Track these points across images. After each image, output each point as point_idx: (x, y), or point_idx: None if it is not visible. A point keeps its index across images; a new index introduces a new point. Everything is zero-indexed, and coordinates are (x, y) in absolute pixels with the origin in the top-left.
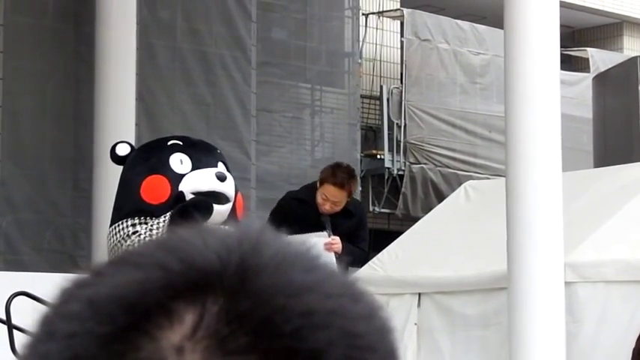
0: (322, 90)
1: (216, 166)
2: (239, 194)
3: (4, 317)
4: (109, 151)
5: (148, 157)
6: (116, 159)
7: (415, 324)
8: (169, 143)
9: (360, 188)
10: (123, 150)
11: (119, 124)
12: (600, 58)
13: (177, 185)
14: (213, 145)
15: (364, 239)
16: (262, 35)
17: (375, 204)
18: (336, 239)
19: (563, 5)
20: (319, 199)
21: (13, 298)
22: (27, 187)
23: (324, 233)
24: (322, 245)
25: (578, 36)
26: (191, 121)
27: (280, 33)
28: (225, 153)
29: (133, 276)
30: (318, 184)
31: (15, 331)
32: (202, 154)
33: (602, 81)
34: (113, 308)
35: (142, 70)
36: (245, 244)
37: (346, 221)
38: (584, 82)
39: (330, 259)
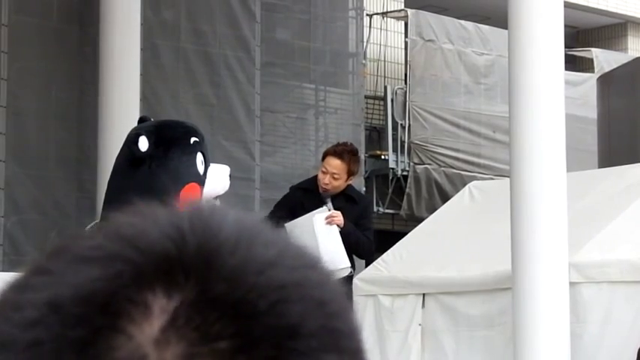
0: (326, 90)
1: (210, 159)
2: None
3: None
4: (113, 151)
5: (179, 160)
6: (139, 154)
7: (419, 324)
8: (192, 142)
9: (364, 188)
10: (144, 145)
11: (123, 125)
12: (605, 59)
13: (203, 188)
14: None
15: (368, 228)
16: (266, 36)
17: (380, 204)
18: (337, 212)
19: (567, 5)
20: (320, 173)
21: None
22: (31, 188)
23: (324, 208)
24: (323, 220)
25: (582, 36)
26: (195, 122)
27: (284, 33)
28: (229, 153)
29: (92, 272)
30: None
31: None
32: (207, 149)
33: (607, 81)
34: (81, 310)
35: (146, 71)
36: (197, 225)
37: (349, 206)
38: (588, 82)
39: (333, 232)
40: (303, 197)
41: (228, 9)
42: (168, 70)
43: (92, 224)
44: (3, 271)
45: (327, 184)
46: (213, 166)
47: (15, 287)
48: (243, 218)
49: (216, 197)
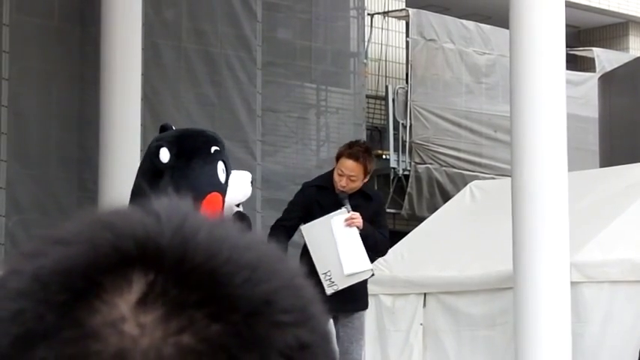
0: (327, 90)
1: (230, 166)
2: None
3: None
4: (114, 150)
5: (200, 170)
6: (161, 166)
7: (421, 324)
8: (213, 151)
9: None
10: (165, 156)
11: (125, 125)
12: (606, 58)
13: (225, 197)
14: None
15: (384, 226)
16: (267, 35)
17: None
18: (356, 214)
19: (568, 5)
20: (336, 176)
21: None
22: (32, 188)
23: (344, 210)
24: (343, 222)
25: (583, 36)
26: (196, 121)
27: (285, 33)
28: (231, 153)
29: (72, 250)
30: (335, 164)
31: None
32: (228, 157)
33: (608, 81)
34: (62, 278)
35: (147, 71)
36: (173, 213)
37: (365, 204)
38: (589, 81)
39: (353, 234)
40: (318, 194)
41: (230, 8)
42: (169, 69)
43: None
44: None
45: (344, 186)
46: (234, 174)
47: (1, 273)
48: (216, 218)
49: (239, 204)
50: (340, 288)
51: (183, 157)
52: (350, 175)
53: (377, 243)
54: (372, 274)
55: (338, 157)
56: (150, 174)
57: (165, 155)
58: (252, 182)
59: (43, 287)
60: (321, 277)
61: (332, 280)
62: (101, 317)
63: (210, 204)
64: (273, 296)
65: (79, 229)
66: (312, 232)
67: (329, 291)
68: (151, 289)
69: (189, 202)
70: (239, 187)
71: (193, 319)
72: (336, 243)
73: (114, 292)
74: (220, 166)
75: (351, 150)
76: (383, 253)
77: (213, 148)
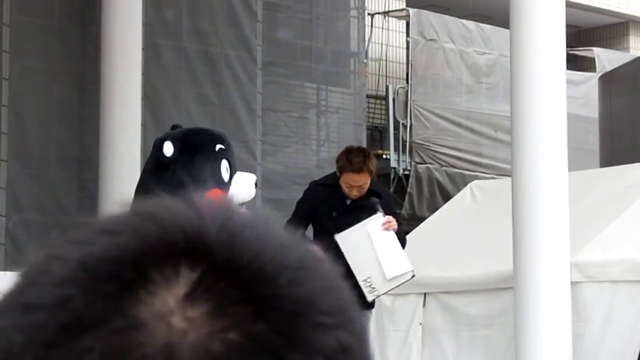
0: (328, 90)
1: (236, 167)
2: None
3: None
4: (114, 150)
5: (203, 166)
6: (164, 160)
7: (420, 324)
8: (217, 149)
9: None
10: (169, 150)
11: (125, 125)
12: (606, 58)
13: (226, 195)
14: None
15: (400, 223)
16: (268, 35)
17: None
18: (391, 218)
19: (569, 5)
20: (345, 188)
21: None
22: (33, 188)
23: (379, 214)
24: (380, 227)
25: (584, 35)
26: (197, 121)
27: (286, 33)
28: None
29: (119, 240)
30: (337, 174)
31: None
32: (234, 157)
33: (608, 80)
34: (110, 267)
35: (147, 71)
36: (217, 208)
37: (375, 199)
38: (590, 81)
39: (391, 238)
40: (324, 193)
41: (230, 8)
42: (169, 69)
43: None
44: (5, 270)
45: (356, 196)
46: (239, 174)
47: (42, 258)
48: (257, 213)
49: (242, 204)
50: (382, 293)
51: (187, 153)
52: (359, 185)
53: (404, 241)
54: (413, 275)
55: (340, 171)
56: (154, 168)
57: (169, 149)
58: (256, 184)
59: (90, 275)
60: (361, 284)
61: (372, 285)
62: (148, 309)
63: None
64: (315, 297)
65: (125, 219)
66: (348, 240)
67: (370, 297)
68: (198, 283)
69: (230, 200)
70: (243, 186)
71: (239, 316)
72: (374, 248)
73: (161, 284)
74: (224, 164)
75: (353, 165)
76: (404, 247)
77: (218, 146)
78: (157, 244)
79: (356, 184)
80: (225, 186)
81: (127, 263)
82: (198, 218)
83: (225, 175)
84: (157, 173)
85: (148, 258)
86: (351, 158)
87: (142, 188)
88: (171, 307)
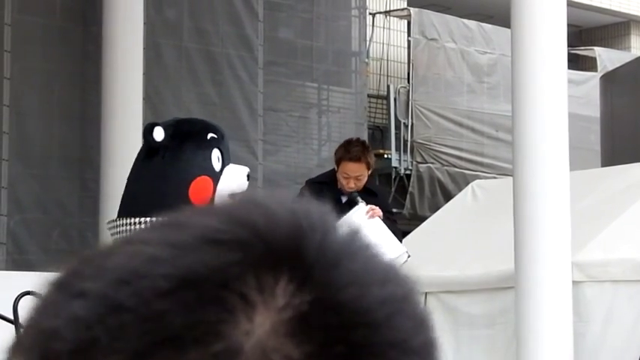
0: (329, 89)
1: (230, 159)
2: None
3: (11, 317)
4: (115, 150)
5: (193, 152)
6: (153, 144)
7: None
8: (209, 137)
9: None
10: (159, 135)
11: (126, 124)
12: (608, 57)
13: (217, 184)
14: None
15: (395, 220)
16: (269, 35)
17: None
18: (373, 206)
19: (570, 4)
20: (341, 179)
21: (20, 298)
22: (34, 187)
23: (360, 205)
24: (364, 216)
25: (585, 35)
26: None
27: (287, 32)
28: (232, 152)
29: (223, 255)
30: (335, 167)
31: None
32: (227, 149)
33: (610, 80)
34: (215, 291)
35: (148, 70)
36: (316, 224)
37: (371, 200)
38: (591, 81)
39: (378, 224)
40: (320, 190)
41: (231, 8)
42: (170, 69)
43: (113, 220)
44: (6, 269)
45: (352, 187)
46: (232, 166)
47: (138, 252)
48: (353, 226)
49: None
50: None
51: (177, 139)
52: (356, 176)
53: (396, 232)
54: (409, 256)
55: (338, 161)
56: (144, 154)
57: (159, 134)
58: (249, 177)
59: (191, 292)
60: None
61: None
62: (247, 336)
63: (198, 187)
64: (408, 336)
65: (226, 225)
66: None
67: None
68: (299, 316)
69: (328, 209)
70: (233, 177)
71: (333, 357)
72: None
73: (260, 309)
74: (215, 153)
75: (351, 154)
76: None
77: (210, 135)
78: (258, 262)
79: (353, 174)
80: (215, 175)
81: (229, 284)
82: (298, 231)
83: (217, 165)
84: (146, 158)
85: (250, 277)
86: (349, 148)
87: (132, 173)
88: (269, 337)
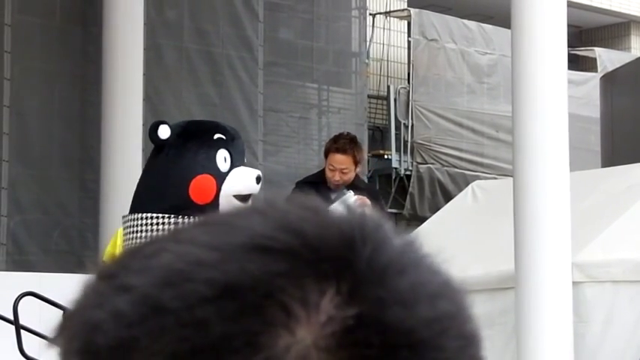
0: (329, 90)
1: (244, 162)
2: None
3: (12, 317)
4: (116, 150)
5: (196, 151)
6: (158, 142)
7: None
8: (215, 138)
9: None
10: (164, 133)
11: (126, 125)
12: (608, 58)
13: (221, 185)
14: (239, 134)
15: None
16: (269, 35)
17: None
18: (361, 196)
19: (570, 5)
20: (328, 172)
21: (20, 299)
22: (34, 188)
23: (349, 193)
24: (353, 203)
25: (585, 36)
26: None
27: (287, 33)
28: None
29: (269, 265)
30: (324, 161)
31: (22, 331)
32: (239, 151)
33: (610, 80)
34: (259, 302)
35: (149, 71)
36: (367, 236)
37: (362, 194)
38: (591, 81)
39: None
40: (309, 190)
41: (231, 9)
42: (171, 69)
43: (129, 216)
44: (6, 270)
45: (338, 180)
46: (241, 168)
47: (184, 252)
48: (406, 237)
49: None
50: None
51: (182, 137)
52: (341, 168)
53: None
54: None
55: (326, 153)
56: (152, 151)
57: (164, 132)
58: (260, 180)
59: (234, 302)
60: None
61: None
62: (288, 351)
63: (199, 185)
64: (454, 356)
65: (274, 231)
66: None
67: None
68: (345, 331)
69: (385, 219)
70: (239, 178)
71: None
72: None
73: (302, 322)
74: (222, 153)
75: (338, 144)
76: None
77: (217, 136)
78: (305, 274)
79: (339, 165)
80: (219, 175)
81: (273, 295)
82: (349, 243)
83: (222, 165)
84: (153, 156)
85: (295, 290)
86: (337, 139)
87: (143, 170)
88: (310, 352)
